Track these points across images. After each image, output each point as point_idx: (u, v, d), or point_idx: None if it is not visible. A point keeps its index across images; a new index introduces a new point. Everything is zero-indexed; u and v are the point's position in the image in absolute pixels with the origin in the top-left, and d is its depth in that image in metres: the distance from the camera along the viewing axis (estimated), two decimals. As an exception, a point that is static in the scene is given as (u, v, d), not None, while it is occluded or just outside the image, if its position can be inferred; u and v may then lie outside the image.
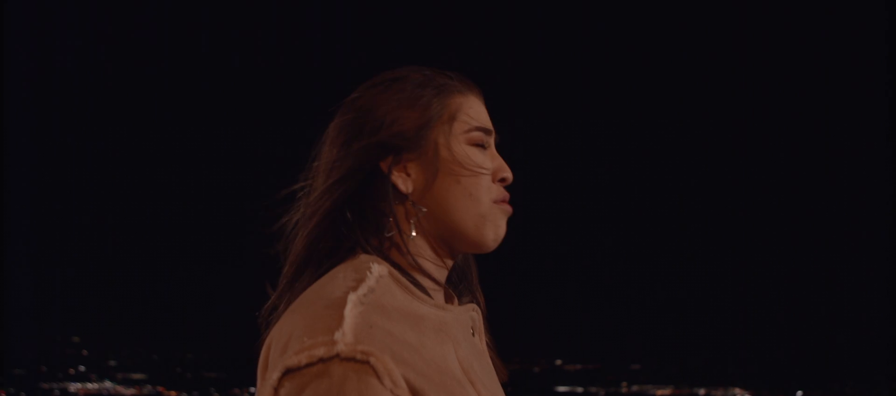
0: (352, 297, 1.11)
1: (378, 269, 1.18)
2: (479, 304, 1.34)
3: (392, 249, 1.23)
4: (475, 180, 1.24)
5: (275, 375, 1.06)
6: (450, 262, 1.27)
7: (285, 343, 1.10)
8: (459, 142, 1.25)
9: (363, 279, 1.15)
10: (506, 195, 1.28)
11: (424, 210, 1.23)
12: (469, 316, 1.28)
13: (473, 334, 1.28)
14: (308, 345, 1.06)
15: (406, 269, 1.22)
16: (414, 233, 1.23)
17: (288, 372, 1.06)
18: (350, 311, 1.09)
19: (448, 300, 1.31)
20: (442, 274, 1.27)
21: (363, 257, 1.20)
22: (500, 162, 1.29)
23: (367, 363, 1.05)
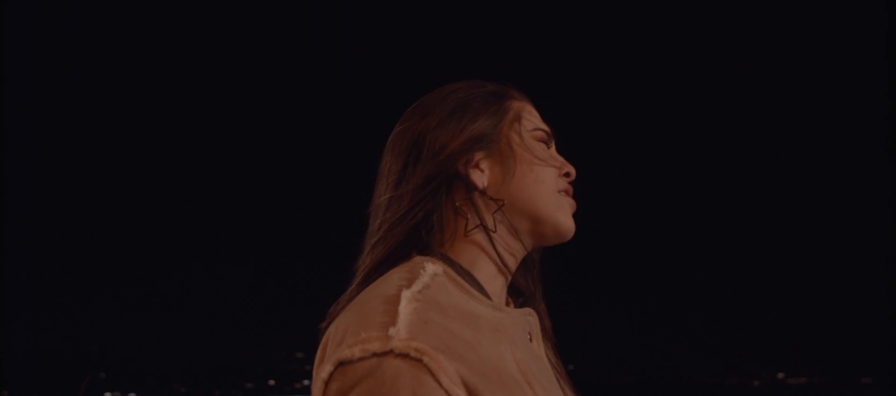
0: (406, 293, 1.11)
1: (432, 268, 1.18)
2: (537, 312, 1.33)
3: (450, 249, 1.24)
4: (545, 169, 1.28)
5: (327, 368, 1.06)
6: (519, 258, 1.29)
7: (341, 338, 1.09)
8: (528, 137, 1.30)
9: (417, 277, 1.16)
10: (570, 188, 1.32)
11: (503, 201, 1.26)
12: (526, 319, 1.27)
13: (531, 339, 1.27)
14: (362, 339, 1.06)
15: (464, 268, 1.23)
16: (498, 226, 1.25)
17: (340, 365, 1.06)
18: (404, 307, 1.09)
19: (506, 302, 1.32)
20: (503, 277, 1.28)
21: (417, 258, 1.21)
22: (562, 160, 1.33)
23: (421, 360, 1.04)
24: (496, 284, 1.26)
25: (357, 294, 1.20)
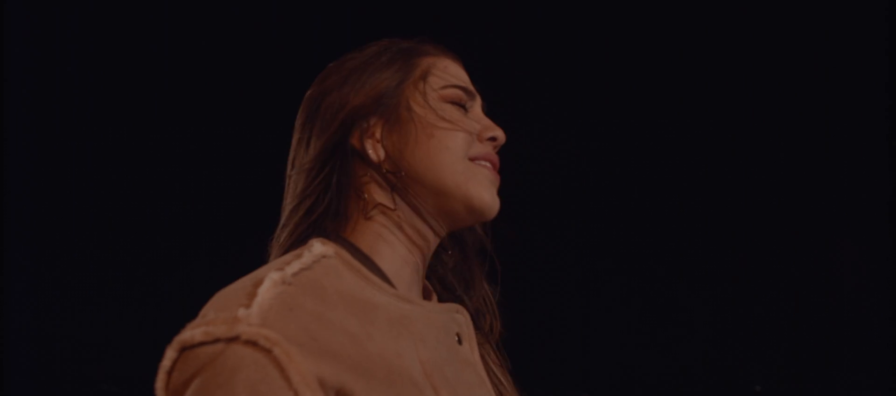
0: (273, 276, 0.97)
1: (321, 249, 1.05)
2: (472, 308, 1.22)
3: (351, 233, 1.11)
4: (451, 133, 1.11)
5: (170, 353, 0.92)
6: (432, 242, 1.15)
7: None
8: (434, 98, 1.14)
9: (298, 258, 1.02)
10: (492, 155, 1.16)
11: (402, 173, 1.10)
12: (451, 317, 1.15)
13: (460, 341, 1.14)
14: (209, 320, 0.91)
15: (364, 254, 1.10)
16: (393, 206, 1.11)
17: (184, 350, 0.91)
18: (266, 289, 0.94)
19: (427, 296, 1.19)
20: (414, 264, 1.13)
21: (311, 241, 1.08)
22: (486, 121, 1.17)
23: (271, 351, 0.89)
24: (405, 272, 1.12)
25: None
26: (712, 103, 3.04)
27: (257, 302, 0.92)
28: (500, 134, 1.16)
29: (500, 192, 1.17)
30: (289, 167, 1.17)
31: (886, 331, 2.94)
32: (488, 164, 1.15)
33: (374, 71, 1.15)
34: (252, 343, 0.89)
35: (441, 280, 1.25)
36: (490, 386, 1.16)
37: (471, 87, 1.19)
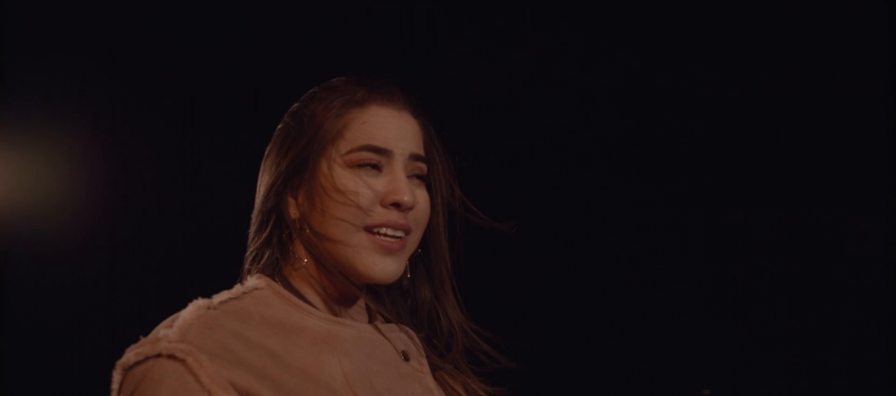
0: (197, 303, 1.15)
1: (255, 282, 1.21)
2: (415, 330, 1.33)
3: (289, 270, 1.25)
4: (343, 206, 1.19)
5: (115, 376, 1.10)
6: (350, 291, 1.25)
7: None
8: (340, 163, 1.21)
9: (230, 291, 1.19)
10: (390, 222, 1.21)
11: (310, 237, 1.21)
12: (395, 336, 1.28)
13: (407, 357, 1.27)
14: (140, 343, 1.10)
15: (297, 285, 1.23)
16: (305, 261, 1.23)
17: (126, 371, 1.09)
18: (187, 313, 1.13)
19: (373, 318, 1.31)
20: (344, 295, 1.25)
21: (248, 277, 1.24)
22: (395, 184, 1.21)
23: (185, 361, 1.06)
24: (333, 303, 1.25)
25: None
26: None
27: (178, 323, 1.11)
28: (404, 200, 1.20)
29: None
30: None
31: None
32: (384, 233, 1.21)
33: (307, 126, 1.23)
34: (171, 357, 1.07)
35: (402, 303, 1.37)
36: (431, 391, 1.27)
37: (386, 144, 1.22)
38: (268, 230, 1.24)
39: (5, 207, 2.58)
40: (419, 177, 1.26)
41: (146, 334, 1.12)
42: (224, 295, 1.18)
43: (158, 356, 1.07)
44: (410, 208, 1.21)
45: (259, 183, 1.28)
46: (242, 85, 2.77)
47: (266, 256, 1.25)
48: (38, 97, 2.60)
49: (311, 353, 1.16)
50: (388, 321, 1.31)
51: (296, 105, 1.28)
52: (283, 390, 1.10)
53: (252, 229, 1.27)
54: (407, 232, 1.22)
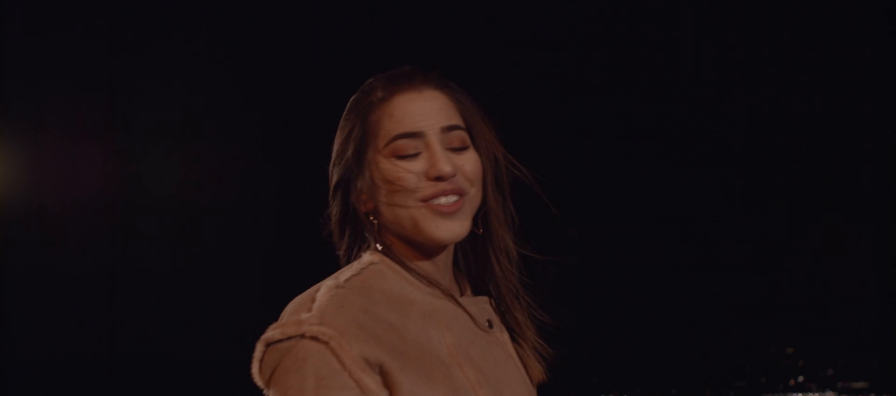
0: (328, 283, 1.27)
1: (370, 258, 1.33)
2: (499, 302, 1.43)
3: (382, 243, 1.36)
4: (393, 195, 1.32)
5: (258, 347, 1.24)
6: (439, 257, 1.37)
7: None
8: (382, 158, 1.33)
9: (351, 268, 1.31)
10: (440, 191, 1.32)
11: (382, 224, 1.36)
12: (481, 307, 1.40)
13: (491, 325, 1.39)
14: (284, 323, 1.23)
15: (405, 261, 1.35)
16: (379, 248, 1.35)
17: (268, 345, 1.23)
18: (322, 295, 1.25)
19: (462, 290, 1.42)
20: (435, 268, 1.37)
21: (363, 252, 1.36)
22: (432, 160, 1.32)
23: (328, 343, 1.19)
24: (436, 275, 1.37)
25: None
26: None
27: (316, 305, 1.24)
28: (442, 170, 1.31)
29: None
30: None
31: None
32: (442, 200, 1.32)
33: (348, 136, 1.36)
34: (314, 338, 1.20)
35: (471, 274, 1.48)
36: (517, 360, 1.41)
37: (413, 126, 1.33)
38: (350, 225, 1.38)
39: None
40: (460, 148, 1.35)
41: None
42: (347, 272, 1.30)
43: (302, 336, 1.20)
44: (452, 176, 1.31)
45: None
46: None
47: (356, 247, 1.38)
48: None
49: (422, 326, 1.28)
50: (469, 294, 1.42)
51: (341, 119, 1.40)
52: (406, 362, 1.23)
53: (336, 229, 1.40)
54: (460, 194, 1.32)
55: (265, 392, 1.26)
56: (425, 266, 1.36)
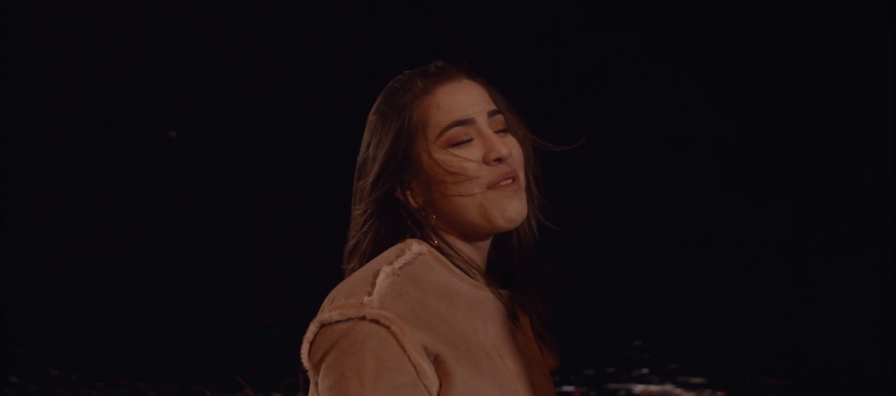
0: (386, 269, 1.28)
1: (418, 248, 1.33)
2: (520, 296, 1.44)
3: (435, 236, 1.37)
4: (458, 185, 1.33)
5: (312, 328, 1.26)
6: (483, 247, 1.40)
7: (328, 304, 1.28)
8: (437, 149, 1.35)
9: (401, 255, 1.31)
10: (502, 174, 1.34)
11: (436, 219, 1.37)
12: (508, 301, 1.41)
13: (517, 319, 1.41)
14: (342, 305, 1.25)
15: (448, 252, 1.36)
16: (436, 241, 1.37)
17: (322, 327, 1.25)
18: (382, 280, 1.26)
19: (489, 285, 1.42)
20: (480, 259, 1.40)
21: (409, 240, 1.35)
22: (489, 144, 1.34)
23: (389, 327, 1.22)
24: (479, 266, 1.40)
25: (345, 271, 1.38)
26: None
27: (377, 289, 1.25)
28: (500, 153, 1.34)
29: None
30: (355, 200, 1.41)
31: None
32: (505, 182, 1.35)
33: (389, 131, 1.36)
34: (375, 322, 1.23)
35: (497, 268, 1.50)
36: (536, 350, 1.44)
37: (464, 114, 1.35)
38: (388, 216, 1.37)
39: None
40: (503, 130, 1.38)
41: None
42: (400, 260, 1.30)
43: (362, 318, 1.22)
44: (509, 156, 1.34)
45: (356, 176, 1.41)
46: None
47: (388, 241, 1.37)
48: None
49: (469, 318, 1.31)
50: (497, 286, 1.44)
51: (372, 111, 1.41)
52: (458, 352, 1.26)
53: (361, 220, 1.38)
54: (515, 177, 1.35)
55: (312, 374, 1.27)
56: (470, 257, 1.38)
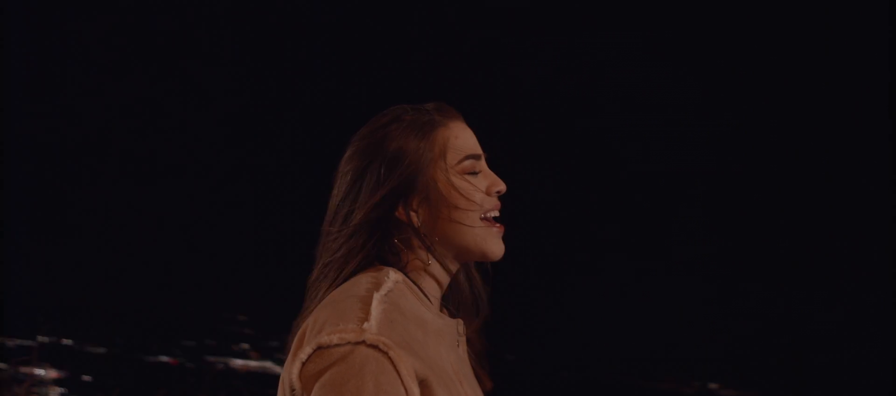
0: (376, 295, 1.34)
1: (394, 276, 1.39)
2: (467, 322, 1.52)
3: (407, 263, 1.43)
4: (465, 212, 1.43)
5: (307, 350, 1.29)
6: (449, 277, 1.47)
7: (320, 327, 1.31)
8: (454, 174, 1.44)
9: (382, 282, 1.37)
10: (496, 206, 1.46)
11: (436, 238, 1.43)
12: (457, 327, 1.48)
13: (458, 345, 1.48)
14: (340, 329, 1.29)
15: (416, 281, 1.43)
16: (430, 261, 1.44)
17: (319, 349, 1.28)
18: (376, 306, 1.32)
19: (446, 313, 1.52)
20: (441, 289, 1.47)
21: (383, 268, 1.41)
22: (492, 178, 1.47)
23: (387, 353, 1.27)
24: (436, 296, 1.47)
25: (327, 296, 1.40)
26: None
27: (373, 316, 1.31)
28: (502, 187, 1.47)
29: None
30: (333, 217, 1.45)
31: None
32: (494, 217, 1.46)
33: (402, 157, 1.42)
34: (374, 347, 1.27)
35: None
36: (476, 380, 1.51)
37: (477, 149, 1.47)
38: (377, 235, 1.41)
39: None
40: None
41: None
42: (383, 287, 1.36)
43: (360, 343, 1.27)
44: (505, 190, 1.47)
45: (345, 195, 1.44)
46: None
47: (373, 255, 1.42)
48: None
49: (436, 345, 1.39)
50: (451, 315, 1.52)
51: (369, 135, 1.45)
52: (438, 377, 1.33)
53: (355, 234, 1.42)
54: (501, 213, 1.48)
55: (301, 393, 1.29)
56: (435, 286, 1.46)
